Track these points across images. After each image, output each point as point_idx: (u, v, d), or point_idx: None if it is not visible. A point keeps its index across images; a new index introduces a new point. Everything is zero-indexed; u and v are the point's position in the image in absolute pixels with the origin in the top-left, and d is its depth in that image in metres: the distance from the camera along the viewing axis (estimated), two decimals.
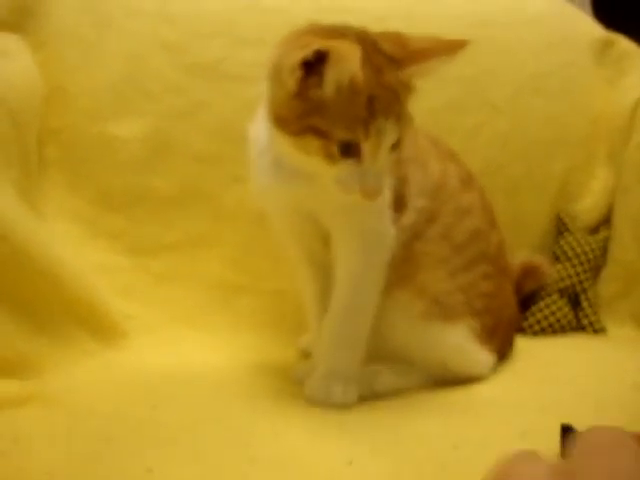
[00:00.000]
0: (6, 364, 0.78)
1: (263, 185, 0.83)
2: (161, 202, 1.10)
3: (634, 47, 1.34)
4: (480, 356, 0.85)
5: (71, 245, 1.03)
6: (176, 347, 1.00)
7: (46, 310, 0.86)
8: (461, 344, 0.84)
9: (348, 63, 0.66)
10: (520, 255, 1.14)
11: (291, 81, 0.68)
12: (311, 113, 0.69)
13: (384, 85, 0.69)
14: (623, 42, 1.34)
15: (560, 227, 1.22)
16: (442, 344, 0.83)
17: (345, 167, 0.70)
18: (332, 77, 0.67)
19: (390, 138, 0.70)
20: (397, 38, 0.73)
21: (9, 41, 1.05)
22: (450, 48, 0.73)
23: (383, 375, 0.84)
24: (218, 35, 1.17)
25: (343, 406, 0.78)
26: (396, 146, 0.72)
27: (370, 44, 0.71)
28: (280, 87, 0.71)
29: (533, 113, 1.24)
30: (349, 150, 0.69)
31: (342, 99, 0.68)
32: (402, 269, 0.82)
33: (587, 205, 1.23)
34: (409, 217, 0.83)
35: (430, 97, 1.21)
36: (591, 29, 1.36)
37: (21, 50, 1.06)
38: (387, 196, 0.80)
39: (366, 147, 0.69)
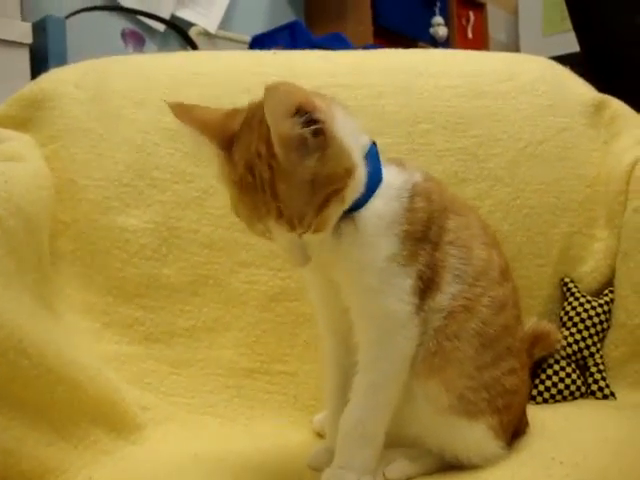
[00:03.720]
0: (29, 475, 0.80)
1: None
2: (172, 290, 1.13)
3: (626, 108, 1.37)
4: (494, 452, 0.86)
5: (85, 338, 1.05)
6: (193, 436, 1.02)
7: (64, 414, 0.88)
8: (478, 442, 0.84)
9: None
10: (528, 322, 1.16)
11: None
12: None
13: (253, 189, 0.73)
14: (614, 103, 1.37)
15: (564, 292, 1.24)
16: (460, 440, 0.84)
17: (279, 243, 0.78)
18: None
19: (281, 234, 0.74)
20: None
21: (20, 143, 1.09)
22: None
23: (396, 462, 0.84)
24: None
25: None
26: (320, 226, 0.74)
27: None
28: None
29: (532, 180, 1.27)
30: None
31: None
32: (434, 359, 0.81)
33: (589, 268, 1.24)
34: (441, 302, 0.82)
35: (430, 170, 1.22)
36: (583, 91, 1.39)
37: (32, 150, 1.10)
38: (408, 282, 0.80)
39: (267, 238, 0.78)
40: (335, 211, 0.76)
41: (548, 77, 1.38)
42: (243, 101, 1.24)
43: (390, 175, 0.83)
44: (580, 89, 1.39)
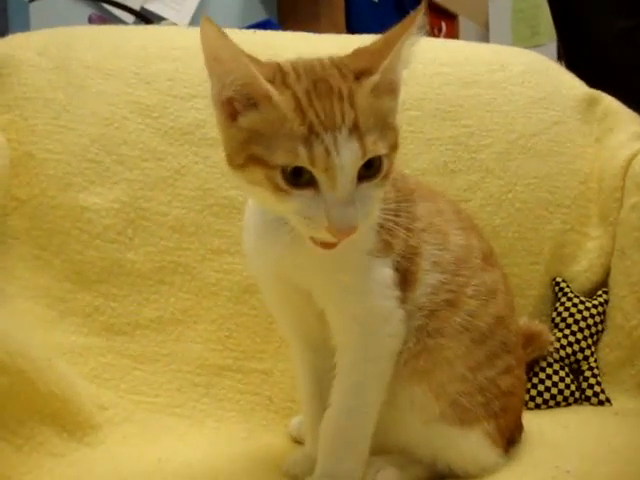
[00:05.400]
0: None
1: (251, 252, 0.77)
2: (137, 277, 1.02)
3: (618, 104, 1.32)
4: (492, 460, 0.78)
5: (38, 327, 0.94)
6: (155, 438, 0.91)
7: (7, 411, 0.76)
8: (474, 450, 0.76)
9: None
10: (519, 322, 1.09)
11: (218, 113, 0.66)
12: (249, 140, 0.63)
13: (327, 95, 0.61)
14: (606, 99, 1.33)
15: (557, 292, 1.17)
16: (454, 449, 0.76)
17: (301, 200, 0.62)
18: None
19: (349, 156, 0.60)
20: (358, 52, 0.67)
21: None
22: (408, 23, 0.65)
23: (385, 470, 0.76)
24: (197, 97, 1.11)
25: None
26: (377, 169, 0.63)
27: (314, 66, 0.66)
28: (218, 120, 0.67)
29: (524, 174, 1.21)
30: (300, 178, 0.61)
31: (270, 119, 0.62)
32: (419, 361, 0.74)
33: (582, 267, 1.18)
34: (421, 295, 0.75)
35: (419, 159, 1.18)
36: (574, 86, 1.35)
37: None
38: (387, 273, 0.73)
39: (318, 171, 0.60)
40: (392, 168, 0.67)
41: (539, 69, 1.33)
42: None
43: None
44: (572, 83, 1.34)
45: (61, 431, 0.82)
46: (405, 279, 0.74)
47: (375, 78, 0.63)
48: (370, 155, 0.61)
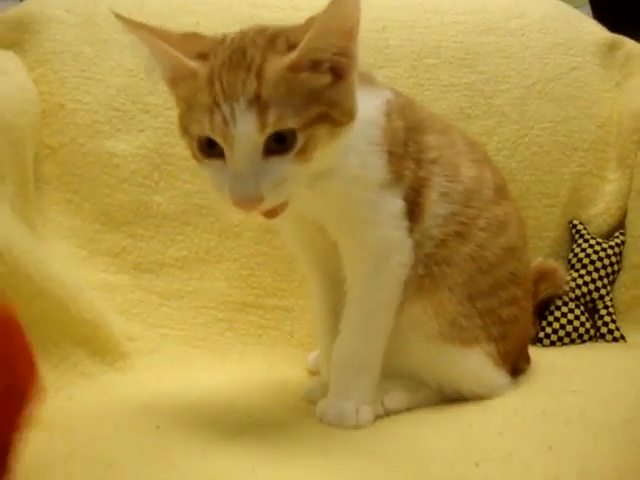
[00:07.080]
0: None
1: None
2: (163, 218, 1.07)
3: None
4: (496, 380, 0.80)
5: (70, 264, 1.00)
6: (180, 368, 0.97)
7: (44, 331, 0.82)
8: (476, 369, 0.79)
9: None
10: (534, 262, 1.10)
11: (168, 89, 0.70)
12: (183, 112, 0.67)
13: (237, 65, 0.62)
14: (629, 44, 1.32)
15: (573, 234, 1.19)
16: (457, 368, 0.78)
17: (210, 168, 0.65)
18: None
19: (244, 127, 0.60)
20: (307, 21, 0.65)
21: (5, 58, 1.04)
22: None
23: (394, 391, 0.79)
24: None
25: (357, 427, 0.74)
26: (290, 145, 0.62)
27: (245, 35, 0.66)
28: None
29: (541, 118, 1.22)
30: (214, 149, 0.63)
31: (193, 89, 0.64)
32: (422, 282, 0.77)
33: (600, 210, 1.20)
34: (431, 226, 0.77)
35: (435, 105, 1.19)
36: (595, 31, 1.35)
37: (17, 67, 1.04)
38: (398, 204, 0.75)
39: (220, 141, 0.62)
40: (323, 140, 0.64)
41: (559, 16, 1.33)
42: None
43: (364, 96, 0.71)
44: (592, 29, 1.34)
45: (93, 354, 0.88)
46: (413, 210, 0.76)
47: (291, 57, 0.61)
48: (271, 129, 0.61)
